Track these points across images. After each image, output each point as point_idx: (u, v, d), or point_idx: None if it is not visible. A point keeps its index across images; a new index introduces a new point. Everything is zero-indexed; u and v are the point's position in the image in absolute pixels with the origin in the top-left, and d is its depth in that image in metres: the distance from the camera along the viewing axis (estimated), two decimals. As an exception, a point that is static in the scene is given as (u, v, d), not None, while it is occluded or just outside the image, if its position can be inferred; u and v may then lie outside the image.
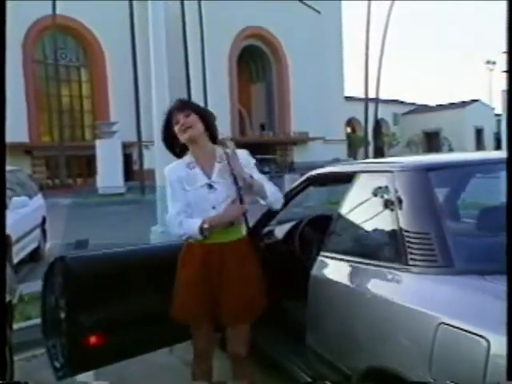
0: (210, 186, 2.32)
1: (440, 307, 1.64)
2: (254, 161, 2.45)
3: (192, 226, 2.27)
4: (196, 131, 2.34)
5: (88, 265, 2.65)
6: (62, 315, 2.54)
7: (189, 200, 2.32)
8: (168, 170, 2.43)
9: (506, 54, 1.49)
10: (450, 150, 43.70)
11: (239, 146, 2.43)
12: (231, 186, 2.31)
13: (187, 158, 2.41)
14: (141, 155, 25.05)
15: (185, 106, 2.39)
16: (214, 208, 2.31)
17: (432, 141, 53.12)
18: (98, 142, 24.40)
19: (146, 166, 23.73)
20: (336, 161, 37.14)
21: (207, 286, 2.33)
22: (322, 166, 2.95)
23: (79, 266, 2.59)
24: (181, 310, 2.38)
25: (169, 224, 2.39)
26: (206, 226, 2.25)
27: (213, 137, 2.43)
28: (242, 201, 2.32)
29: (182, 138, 2.36)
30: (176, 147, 2.44)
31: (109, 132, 25.10)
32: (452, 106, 53.91)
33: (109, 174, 22.94)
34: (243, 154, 2.41)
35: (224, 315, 2.33)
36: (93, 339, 2.50)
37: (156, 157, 6.43)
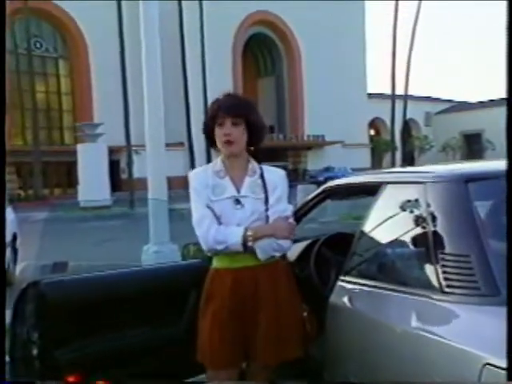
0: (238, 202, 2.35)
1: (485, 345, 1.62)
2: (286, 187, 2.47)
3: (233, 233, 2.27)
4: (238, 148, 2.36)
5: (67, 291, 2.64)
6: (35, 351, 2.53)
7: (214, 211, 2.34)
8: (193, 175, 2.45)
9: (506, 54, 1.54)
10: None
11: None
12: (260, 203, 2.35)
13: (217, 164, 2.43)
14: (130, 162, 25.21)
15: (237, 110, 2.34)
16: (239, 225, 2.32)
17: (472, 144, 52.95)
18: (79, 147, 24.59)
19: (136, 174, 23.87)
20: (328, 169, 37.07)
21: (239, 321, 2.32)
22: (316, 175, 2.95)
23: (56, 292, 2.59)
24: (210, 352, 2.34)
25: (198, 231, 2.35)
26: (250, 233, 2.25)
27: (252, 147, 2.45)
28: (267, 221, 2.35)
29: (221, 149, 2.37)
30: (214, 142, 2.43)
31: (92, 135, 25.29)
32: (496, 102, 53.70)
33: (92, 184, 23.08)
34: (280, 176, 2.45)
35: (257, 352, 2.33)
36: (71, 379, 2.49)
37: (148, 163, 6.47)
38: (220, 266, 2.38)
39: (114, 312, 2.65)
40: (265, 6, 41.74)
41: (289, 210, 2.43)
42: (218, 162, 2.44)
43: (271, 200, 2.36)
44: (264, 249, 2.30)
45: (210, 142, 2.44)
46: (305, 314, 2.48)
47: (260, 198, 2.35)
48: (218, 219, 2.32)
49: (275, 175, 2.44)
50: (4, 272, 2.17)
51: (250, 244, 2.26)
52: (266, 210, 2.35)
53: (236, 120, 2.32)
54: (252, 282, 2.32)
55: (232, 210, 2.33)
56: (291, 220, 2.41)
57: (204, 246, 2.36)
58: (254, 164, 2.44)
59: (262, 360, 2.34)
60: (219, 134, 2.34)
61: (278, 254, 2.37)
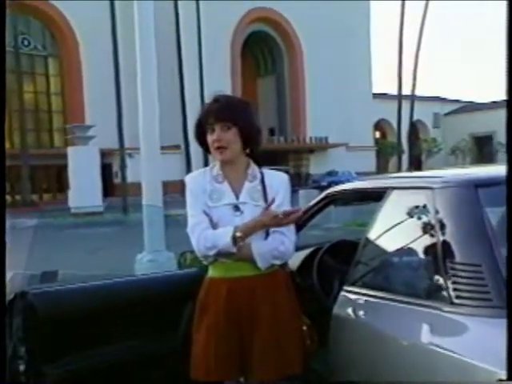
0: (237, 208, 2.35)
1: (497, 359, 1.60)
2: (288, 192, 2.47)
3: (222, 236, 2.26)
4: (231, 153, 2.36)
5: (56, 302, 2.64)
6: (22, 367, 2.52)
7: (211, 218, 2.34)
8: (190, 179, 2.46)
9: (506, 54, 1.56)
10: None
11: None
12: (259, 210, 2.34)
13: (215, 168, 2.43)
14: (123, 166, 25.22)
15: (225, 114, 2.34)
16: None
17: (483, 147, 52.92)
18: (70, 150, 24.60)
19: (130, 178, 23.89)
20: (331, 173, 36.69)
21: (236, 332, 2.32)
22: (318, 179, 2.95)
23: (45, 303, 2.58)
24: (205, 366, 2.34)
25: (192, 238, 2.36)
26: (239, 234, 2.25)
27: (250, 151, 2.45)
28: (267, 229, 2.34)
29: (214, 156, 2.39)
30: (208, 148, 2.44)
31: (83, 137, 25.31)
32: (507, 103, 53.82)
33: (84, 189, 23.08)
34: (281, 180, 2.44)
35: (253, 364, 2.32)
36: None
37: (142, 167, 6.46)
38: (215, 274, 2.38)
39: (107, 324, 2.65)
40: (265, 3, 41.82)
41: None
42: (216, 165, 2.44)
43: (272, 207, 2.35)
44: (264, 257, 2.30)
45: (204, 148, 2.45)
46: (304, 327, 2.47)
47: (259, 205, 2.35)
48: (215, 226, 2.32)
49: (276, 180, 2.43)
50: (4, 273, 2.17)
51: (241, 243, 2.25)
52: None
53: (226, 124, 2.32)
54: (249, 293, 2.32)
55: (231, 216, 2.33)
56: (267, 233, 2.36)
57: (198, 254, 2.37)
58: (254, 168, 2.43)
59: (259, 373, 2.33)
60: (210, 140, 2.36)
61: (278, 262, 2.36)
